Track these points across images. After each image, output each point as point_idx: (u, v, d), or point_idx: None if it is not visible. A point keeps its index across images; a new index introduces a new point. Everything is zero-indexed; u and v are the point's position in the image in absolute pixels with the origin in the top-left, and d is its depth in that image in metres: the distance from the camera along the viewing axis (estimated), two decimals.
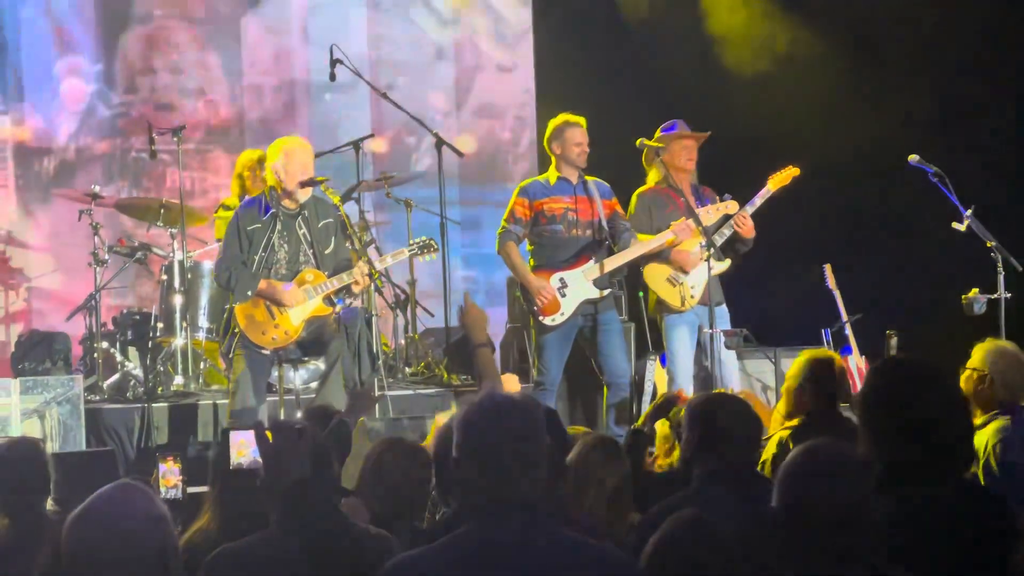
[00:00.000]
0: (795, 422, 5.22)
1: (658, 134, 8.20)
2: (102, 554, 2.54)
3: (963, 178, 7.81)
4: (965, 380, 5.10)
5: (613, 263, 7.88)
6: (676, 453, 5.12)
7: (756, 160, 9.01)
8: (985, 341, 5.31)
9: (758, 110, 10.05)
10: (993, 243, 7.61)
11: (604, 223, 7.89)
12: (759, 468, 4.34)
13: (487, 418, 2.84)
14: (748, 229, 8.05)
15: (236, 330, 7.40)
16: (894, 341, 7.25)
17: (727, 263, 8.06)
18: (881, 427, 3.19)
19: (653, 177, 8.17)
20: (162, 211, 8.83)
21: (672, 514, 3.56)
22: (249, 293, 7.34)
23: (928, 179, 7.71)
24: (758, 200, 8.14)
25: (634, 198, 8.21)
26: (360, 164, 9.50)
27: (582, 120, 7.94)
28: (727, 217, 8.06)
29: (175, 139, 8.87)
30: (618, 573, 2.88)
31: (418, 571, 2.85)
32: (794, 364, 5.45)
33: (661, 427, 5.20)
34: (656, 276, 8.07)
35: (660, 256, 8.03)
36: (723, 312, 8.03)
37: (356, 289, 7.51)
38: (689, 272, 8.00)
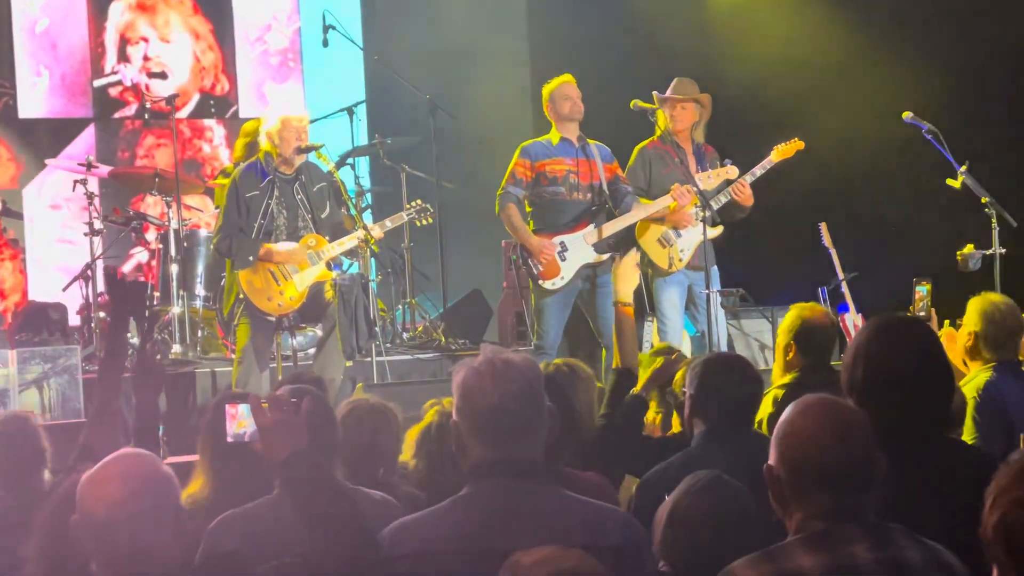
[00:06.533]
0: (788, 379, 5.19)
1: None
2: (119, 512, 2.62)
3: (956, 134, 7.79)
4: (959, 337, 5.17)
5: (613, 227, 7.83)
6: (659, 419, 5.14)
7: (753, 122, 9.00)
8: (978, 296, 5.35)
9: (755, 72, 9.99)
10: (988, 199, 7.58)
11: (604, 186, 7.85)
12: (756, 427, 4.32)
13: (486, 381, 2.84)
14: (746, 197, 7.96)
15: (241, 296, 7.37)
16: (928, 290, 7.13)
17: (720, 229, 8.02)
18: (868, 385, 3.20)
19: (658, 131, 8.06)
20: (157, 180, 8.80)
21: (669, 476, 3.59)
22: (251, 259, 7.32)
23: (922, 135, 7.69)
24: (758, 170, 8.05)
25: (635, 151, 8.12)
26: (354, 129, 9.47)
27: (569, 76, 7.88)
28: (727, 182, 8.00)
29: (169, 107, 8.85)
30: (620, 533, 2.88)
31: (420, 534, 2.86)
32: (784, 320, 5.39)
33: (651, 397, 5.19)
34: (647, 235, 8.02)
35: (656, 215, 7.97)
36: (714, 274, 8.03)
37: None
38: (683, 233, 7.97)
